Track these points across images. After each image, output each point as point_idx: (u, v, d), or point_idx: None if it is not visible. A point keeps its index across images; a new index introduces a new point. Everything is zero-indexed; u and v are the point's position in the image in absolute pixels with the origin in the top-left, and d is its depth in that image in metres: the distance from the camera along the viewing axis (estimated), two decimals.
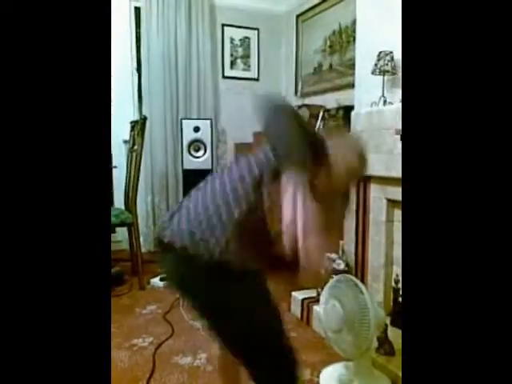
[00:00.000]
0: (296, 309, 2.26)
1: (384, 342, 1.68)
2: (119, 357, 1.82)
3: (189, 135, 2.80)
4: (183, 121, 2.84)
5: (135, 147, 2.68)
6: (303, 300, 2.21)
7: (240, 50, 3.72)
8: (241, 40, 3.70)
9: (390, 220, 2.01)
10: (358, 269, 2.18)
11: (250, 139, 3.37)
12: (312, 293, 2.24)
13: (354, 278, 1.54)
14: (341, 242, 2.26)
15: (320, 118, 2.85)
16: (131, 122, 2.88)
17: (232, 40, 3.67)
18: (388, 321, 1.84)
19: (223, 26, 3.61)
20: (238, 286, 0.96)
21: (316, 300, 2.11)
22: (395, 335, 1.78)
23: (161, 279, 2.75)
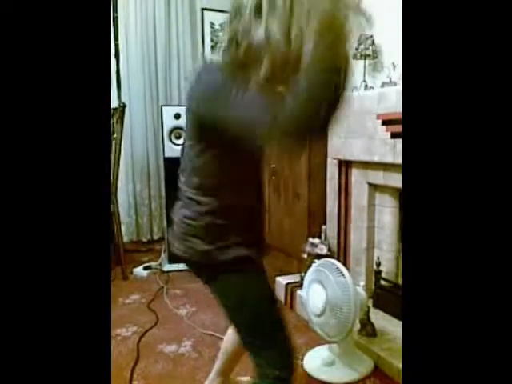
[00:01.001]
0: (280, 293, 2.28)
1: (366, 324, 1.71)
2: None
3: (169, 122, 2.74)
4: (163, 107, 2.78)
5: (115, 135, 2.63)
6: (287, 285, 2.23)
7: (221, 34, 3.65)
8: (221, 25, 3.63)
9: (371, 204, 2.03)
10: (341, 253, 2.21)
11: None
12: (296, 277, 2.25)
13: (336, 262, 1.55)
14: (323, 227, 2.28)
15: None
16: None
17: (212, 25, 3.60)
18: (370, 303, 1.87)
19: (203, 10, 3.54)
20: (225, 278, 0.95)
21: (299, 284, 2.13)
22: (377, 317, 1.81)
23: (144, 268, 2.73)
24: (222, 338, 1.83)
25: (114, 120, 2.64)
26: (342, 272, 1.50)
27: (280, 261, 2.61)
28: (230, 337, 1.30)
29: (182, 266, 2.73)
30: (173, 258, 2.77)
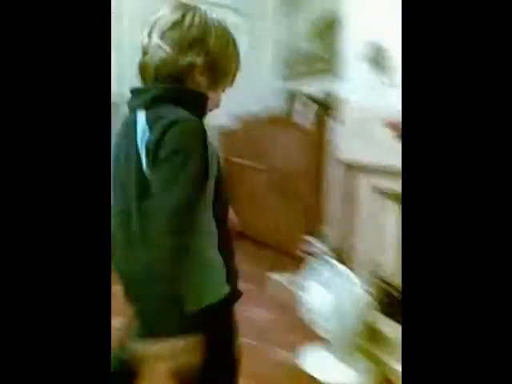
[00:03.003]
0: (276, 290, 2.30)
1: (369, 328, 1.72)
2: None
3: None
4: None
5: None
6: (283, 282, 2.25)
7: None
8: None
9: (375, 207, 2.07)
10: (343, 255, 2.23)
11: (234, 124, 3.35)
12: (293, 276, 2.27)
13: (338, 264, 1.58)
14: (324, 228, 2.31)
15: (307, 105, 2.85)
16: None
17: None
18: (374, 307, 1.90)
19: None
20: None
21: (298, 283, 2.15)
22: (380, 321, 1.84)
23: None
24: None
25: None
26: (344, 274, 1.53)
27: (275, 257, 2.64)
28: None
29: None
30: None
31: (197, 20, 0.80)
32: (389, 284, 1.96)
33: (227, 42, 0.85)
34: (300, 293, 2.00)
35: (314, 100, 2.80)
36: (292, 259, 2.41)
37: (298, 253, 2.25)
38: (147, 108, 0.78)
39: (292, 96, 3.11)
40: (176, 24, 0.79)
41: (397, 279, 2.01)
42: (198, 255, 0.75)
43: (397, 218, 1.99)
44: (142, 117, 0.78)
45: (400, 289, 1.96)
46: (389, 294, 1.95)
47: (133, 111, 0.82)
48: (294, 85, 3.37)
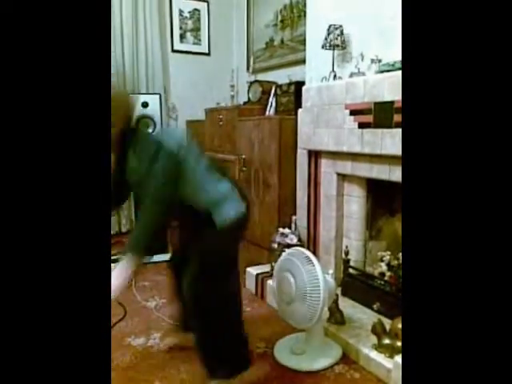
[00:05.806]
0: (251, 284, 2.28)
1: (335, 312, 1.73)
2: None
3: (137, 111, 2.67)
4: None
5: None
6: (257, 275, 2.23)
7: (190, 22, 3.58)
8: (190, 12, 3.56)
9: (340, 194, 2.06)
10: (310, 242, 2.23)
11: (202, 116, 3.29)
12: (266, 267, 2.26)
13: (305, 251, 1.56)
14: (293, 217, 2.29)
15: (272, 94, 2.83)
16: None
17: (181, 12, 3.52)
18: (339, 291, 1.90)
19: None
20: None
21: (270, 275, 2.13)
22: (345, 304, 1.85)
23: (112, 261, 2.67)
24: None
25: None
26: (311, 260, 1.51)
27: (250, 252, 2.61)
28: None
29: (151, 259, 2.68)
30: None
31: None
32: (352, 267, 1.97)
33: None
34: (271, 283, 1.98)
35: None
36: (266, 251, 2.38)
37: (272, 244, 2.23)
38: None
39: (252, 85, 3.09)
40: None
41: (359, 262, 2.02)
42: None
43: (359, 201, 1.99)
44: None
45: (361, 271, 1.96)
46: (351, 276, 1.95)
47: None
48: (261, 76, 3.34)
